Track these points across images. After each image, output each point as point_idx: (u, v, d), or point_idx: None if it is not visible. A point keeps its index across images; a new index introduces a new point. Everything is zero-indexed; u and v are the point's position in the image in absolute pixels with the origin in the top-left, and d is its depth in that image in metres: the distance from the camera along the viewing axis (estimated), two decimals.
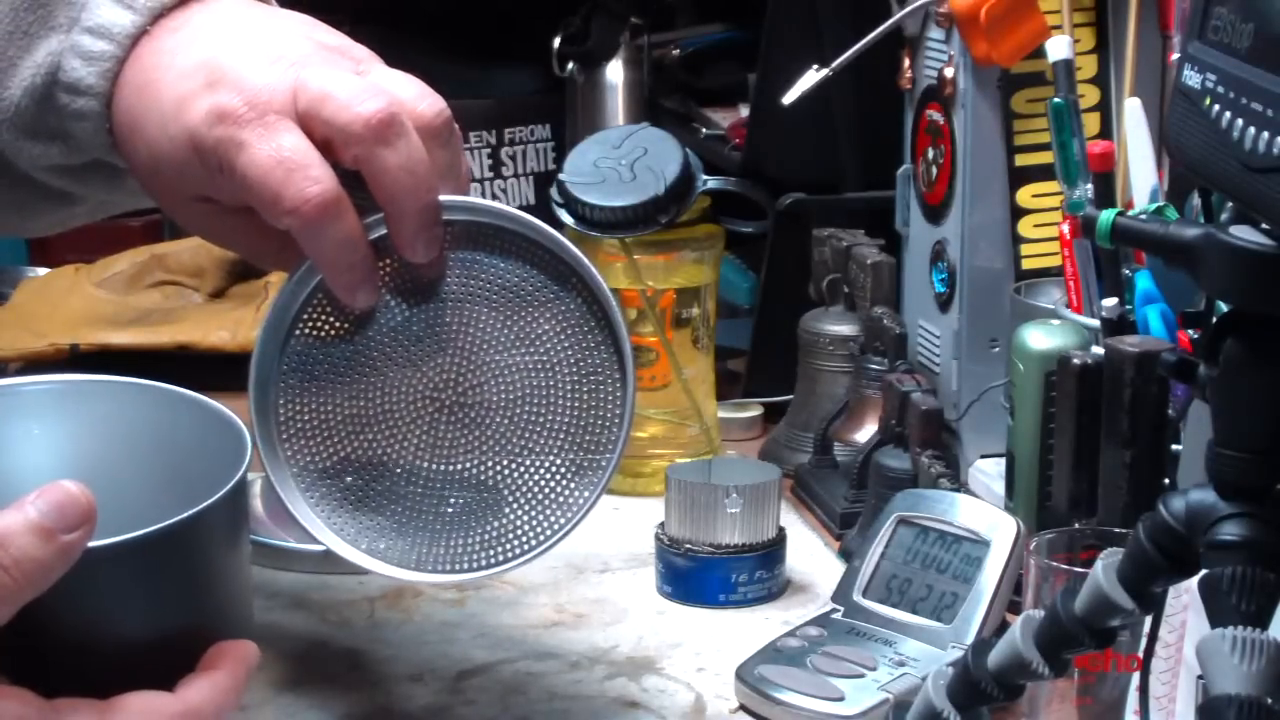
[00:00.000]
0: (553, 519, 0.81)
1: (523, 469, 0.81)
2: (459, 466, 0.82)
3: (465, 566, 0.81)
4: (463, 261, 0.82)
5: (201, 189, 0.81)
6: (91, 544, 0.68)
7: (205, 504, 0.72)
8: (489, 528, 0.81)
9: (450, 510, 0.81)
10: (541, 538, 0.81)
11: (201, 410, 0.81)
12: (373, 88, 0.78)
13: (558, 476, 0.81)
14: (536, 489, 0.81)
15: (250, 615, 0.79)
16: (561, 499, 0.81)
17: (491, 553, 0.81)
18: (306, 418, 0.82)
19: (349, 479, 0.82)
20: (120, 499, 0.75)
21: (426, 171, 0.79)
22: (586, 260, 0.81)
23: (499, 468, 0.81)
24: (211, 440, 0.79)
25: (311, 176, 0.77)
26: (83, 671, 0.69)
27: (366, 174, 0.78)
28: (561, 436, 0.81)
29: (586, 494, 0.81)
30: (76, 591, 0.68)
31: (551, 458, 0.81)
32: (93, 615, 0.69)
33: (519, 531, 0.81)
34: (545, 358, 0.82)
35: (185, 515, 0.71)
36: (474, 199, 0.82)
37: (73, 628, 0.69)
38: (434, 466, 0.82)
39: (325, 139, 0.78)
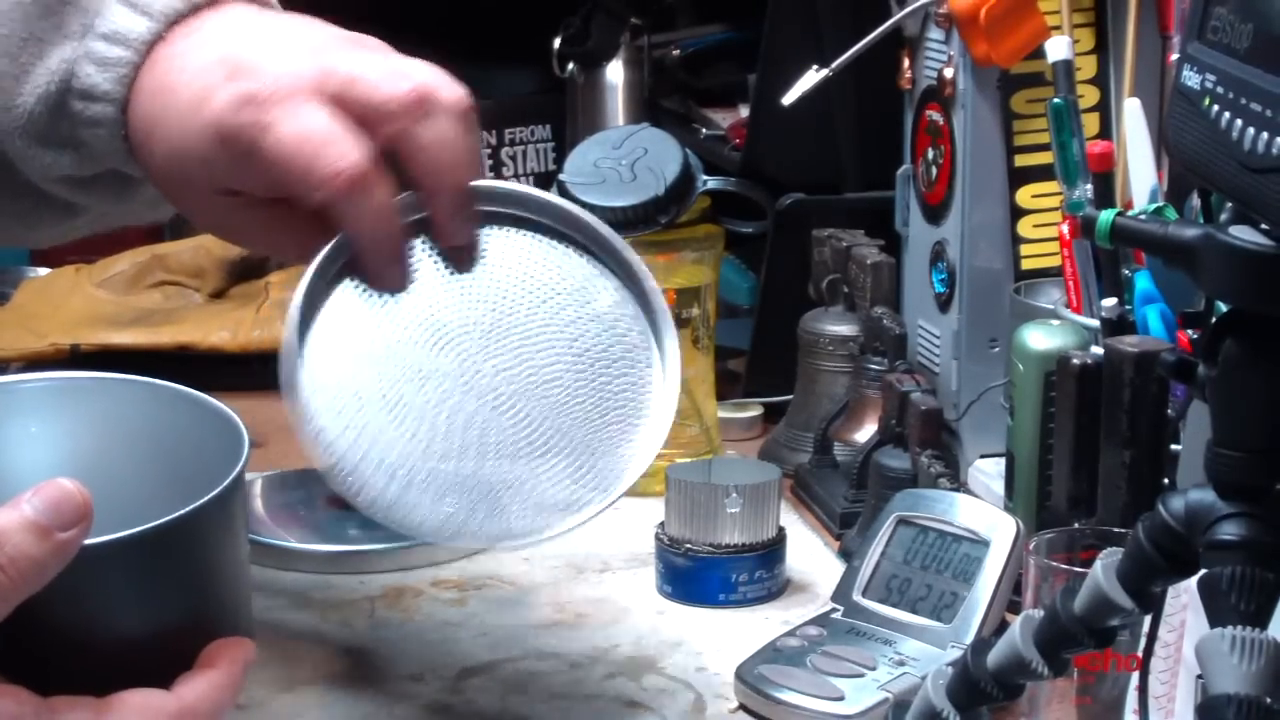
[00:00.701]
0: (574, 511, 0.79)
1: (551, 458, 0.80)
2: (489, 453, 0.80)
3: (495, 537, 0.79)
4: (494, 248, 0.81)
5: (227, 180, 0.80)
6: (88, 541, 0.68)
7: (202, 501, 0.72)
8: (519, 511, 0.79)
9: (480, 497, 0.80)
10: (570, 521, 0.79)
11: (199, 407, 0.81)
12: (401, 69, 0.79)
13: (576, 472, 0.80)
14: (556, 483, 0.80)
15: (249, 613, 0.78)
16: (587, 487, 0.80)
17: (522, 534, 0.79)
18: (333, 389, 0.79)
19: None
20: (117, 496, 0.74)
21: (464, 149, 0.78)
22: (626, 246, 0.80)
23: (530, 456, 0.80)
24: (209, 438, 0.78)
25: (342, 150, 0.76)
26: (79, 669, 0.69)
27: (403, 151, 0.78)
28: (595, 423, 0.80)
29: (615, 484, 0.80)
30: (73, 589, 0.68)
31: (578, 452, 0.80)
32: (89, 613, 0.69)
33: (540, 521, 0.79)
34: (579, 345, 0.81)
35: (182, 512, 0.71)
36: (509, 184, 0.80)
37: (69, 625, 0.69)
38: (464, 452, 0.80)
39: (357, 120, 0.77)
